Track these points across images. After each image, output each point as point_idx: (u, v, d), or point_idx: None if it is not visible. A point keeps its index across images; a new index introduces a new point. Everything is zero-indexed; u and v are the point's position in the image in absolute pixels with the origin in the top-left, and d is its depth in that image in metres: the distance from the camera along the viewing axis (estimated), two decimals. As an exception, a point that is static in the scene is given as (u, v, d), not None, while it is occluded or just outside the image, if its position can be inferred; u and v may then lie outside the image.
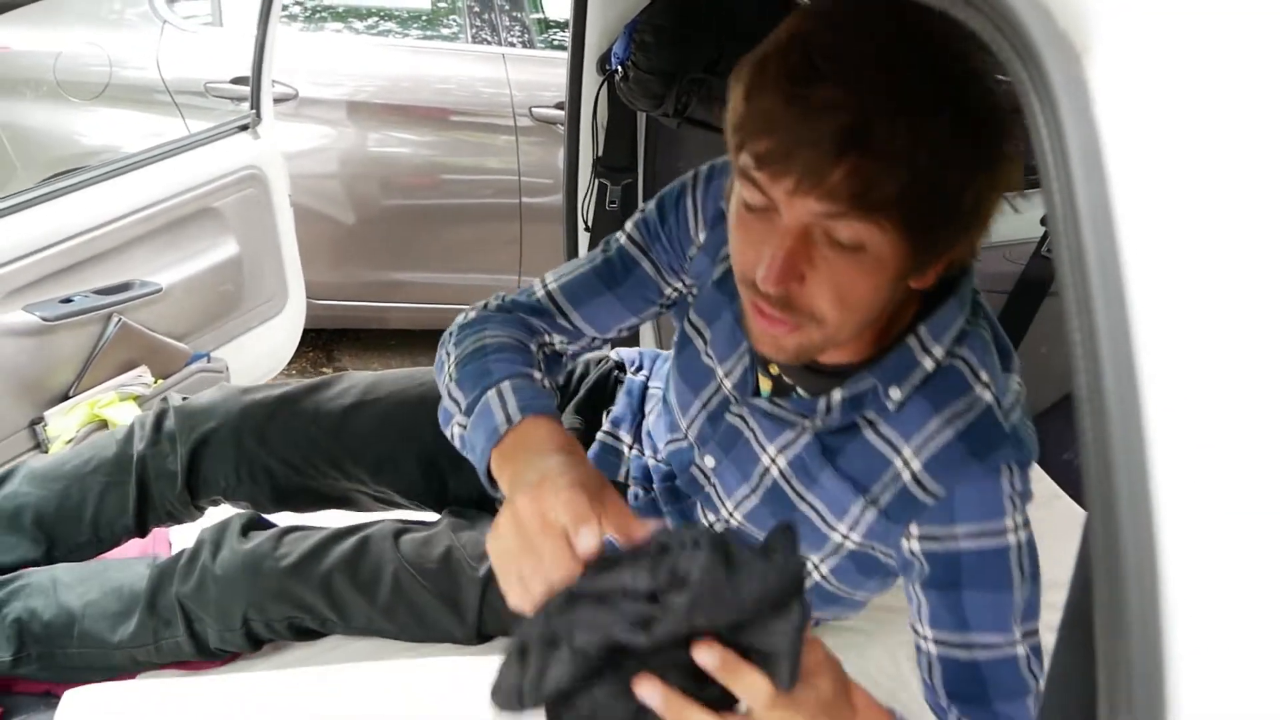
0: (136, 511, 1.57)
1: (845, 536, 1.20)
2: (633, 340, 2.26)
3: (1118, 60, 0.53)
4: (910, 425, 1.11)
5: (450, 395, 1.21)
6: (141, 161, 2.54)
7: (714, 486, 1.31)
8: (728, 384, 1.25)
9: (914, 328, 1.11)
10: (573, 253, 2.22)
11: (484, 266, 3.93)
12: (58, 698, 1.46)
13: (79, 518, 1.57)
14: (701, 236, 1.26)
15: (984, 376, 1.10)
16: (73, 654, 1.42)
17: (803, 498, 1.21)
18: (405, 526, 1.53)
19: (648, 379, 1.58)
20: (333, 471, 1.58)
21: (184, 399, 1.65)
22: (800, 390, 1.19)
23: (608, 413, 1.57)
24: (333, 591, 1.44)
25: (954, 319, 1.10)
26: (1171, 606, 0.50)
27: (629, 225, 1.33)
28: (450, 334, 1.30)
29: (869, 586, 1.30)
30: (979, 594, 1.09)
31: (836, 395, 1.14)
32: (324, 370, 4.09)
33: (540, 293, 1.34)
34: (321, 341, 4.17)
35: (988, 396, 1.09)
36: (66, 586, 1.47)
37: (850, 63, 0.91)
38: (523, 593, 0.92)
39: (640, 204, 2.16)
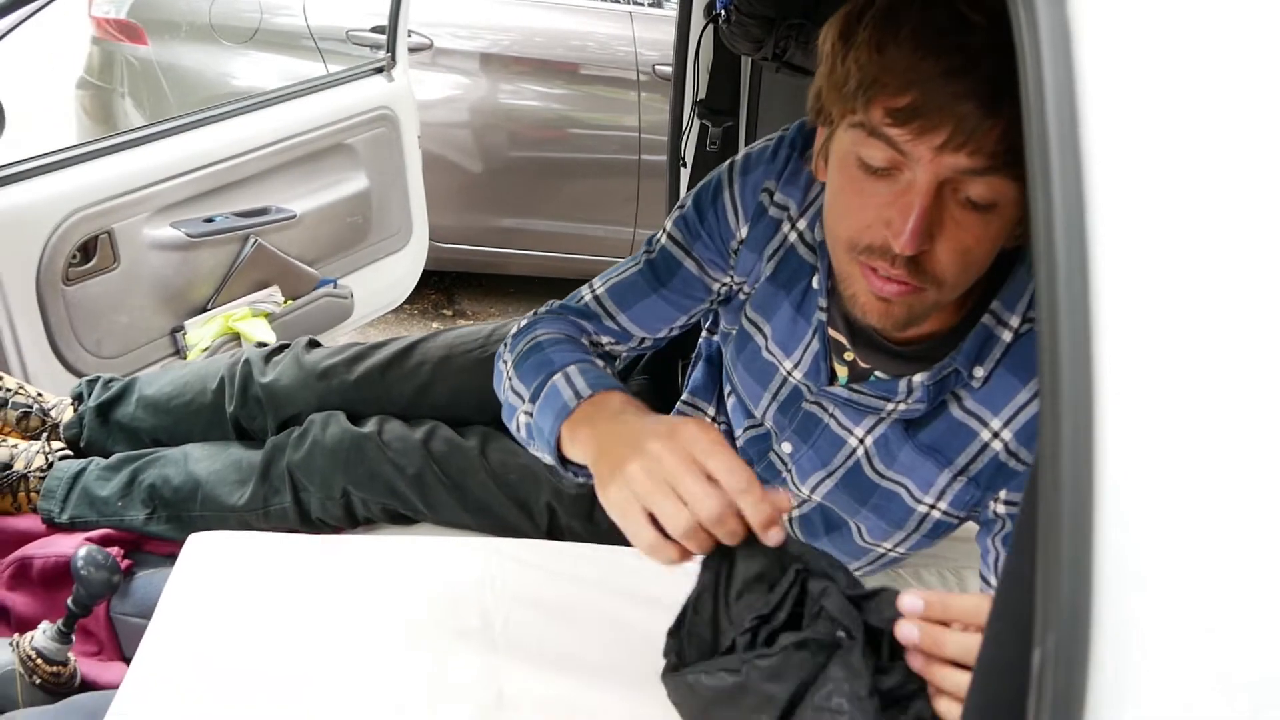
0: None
1: (932, 507, 1.21)
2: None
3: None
4: (997, 398, 1.11)
5: (513, 390, 1.23)
6: (284, 96, 2.73)
7: (790, 471, 1.32)
8: (797, 375, 1.25)
9: (986, 302, 1.09)
10: (674, 189, 2.31)
11: (601, 219, 4.04)
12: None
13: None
14: (743, 231, 1.24)
15: None
16: (195, 516, 1.59)
17: (884, 476, 1.21)
18: (493, 436, 1.64)
19: (718, 345, 1.59)
20: None
21: (265, 358, 1.78)
22: (879, 373, 1.18)
23: (683, 375, 1.60)
24: (424, 485, 1.57)
25: (1025, 284, 1.08)
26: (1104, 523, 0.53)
27: (669, 224, 1.31)
28: (505, 345, 1.32)
29: (925, 545, 1.32)
30: None
31: (918, 378, 1.13)
32: (444, 312, 4.26)
33: (588, 297, 1.35)
34: (444, 284, 4.34)
35: None
36: (195, 459, 1.64)
37: (997, 10, 0.86)
38: (657, 538, 0.91)
39: (740, 146, 2.25)
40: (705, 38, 2.14)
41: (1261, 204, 0.53)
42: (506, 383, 1.25)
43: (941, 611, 0.83)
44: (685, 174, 2.28)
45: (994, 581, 1.17)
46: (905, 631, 0.83)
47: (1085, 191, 0.54)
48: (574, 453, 1.10)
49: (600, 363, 1.20)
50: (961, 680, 0.81)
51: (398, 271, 3.12)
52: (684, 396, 1.52)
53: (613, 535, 1.40)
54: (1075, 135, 0.55)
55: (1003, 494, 1.16)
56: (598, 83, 3.95)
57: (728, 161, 1.26)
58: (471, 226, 4.00)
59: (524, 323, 1.34)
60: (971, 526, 1.27)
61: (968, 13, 0.89)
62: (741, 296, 1.30)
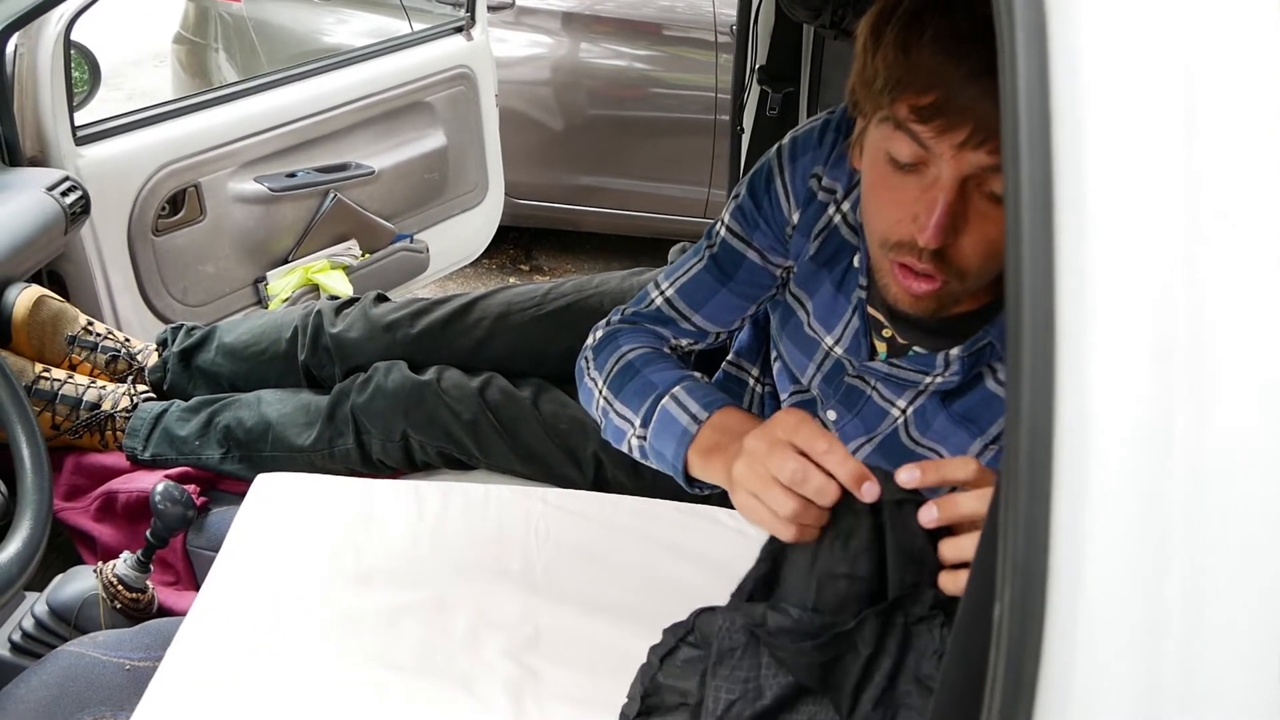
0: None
1: None
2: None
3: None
4: None
5: (616, 414, 1.26)
6: (364, 55, 2.80)
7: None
8: (838, 350, 1.28)
9: None
10: (736, 154, 2.34)
11: (677, 178, 4.05)
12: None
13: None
14: (795, 216, 1.26)
15: None
16: (266, 456, 1.69)
17: (918, 443, 1.25)
18: (546, 388, 1.71)
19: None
20: None
21: (335, 310, 1.87)
22: (917, 348, 1.21)
23: (731, 339, 1.62)
24: (479, 431, 1.64)
25: None
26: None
27: (726, 216, 1.32)
28: (586, 360, 1.34)
29: None
30: None
31: (954, 352, 1.16)
32: (521, 267, 4.34)
33: (659, 300, 1.36)
34: (522, 240, 4.41)
35: None
36: (267, 403, 1.74)
37: None
38: (793, 527, 0.94)
39: (800, 113, 2.27)
40: (765, 3, 2.16)
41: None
42: (603, 404, 1.29)
43: (936, 474, 0.90)
44: (745, 139, 2.31)
45: None
46: (927, 514, 0.89)
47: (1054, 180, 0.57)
48: (703, 475, 1.15)
49: (698, 375, 1.24)
50: (970, 499, 0.89)
51: (473, 227, 3.18)
52: (729, 357, 1.56)
53: (655, 487, 1.46)
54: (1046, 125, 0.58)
55: None
56: (677, 43, 3.96)
57: (775, 147, 1.28)
58: (550, 183, 4.05)
59: (600, 334, 1.37)
60: None
61: (989, 15, 0.92)
62: (790, 275, 1.33)
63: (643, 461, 1.27)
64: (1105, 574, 0.56)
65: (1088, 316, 0.55)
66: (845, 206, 1.23)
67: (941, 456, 1.24)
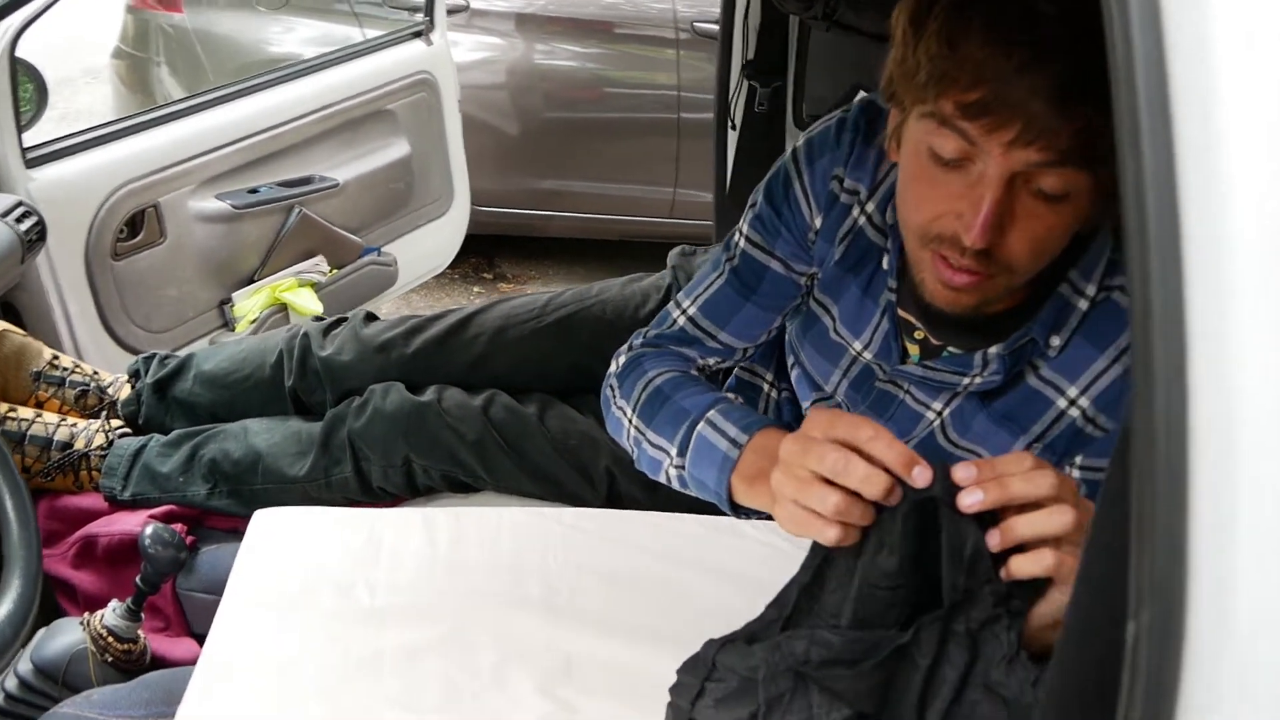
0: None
1: None
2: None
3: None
4: (1074, 367, 1.10)
5: (650, 444, 1.22)
6: (322, 64, 2.71)
7: None
8: (867, 355, 1.24)
9: (1064, 273, 1.08)
10: (721, 151, 2.28)
11: (641, 179, 4.02)
12: (242, 533, 1.65)
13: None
14: (818, 222, 1.22)
15: None
16: (257, 489, 1.60)
17: (957, 445, 1.20)
18: (551, 403, 1.65)
19: None
20: None
21: (323, 332, 1.78)
22: (951, 349, 1.17)
23: None
24: (485, 451, 1.57)
25: (1101, 255, 1.08)
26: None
27: (745, 227, 1.28)
28: (611, 389, 1.30)
29: None
30: None
31: (993, 350, 1.12)
32: (484, 275, 4.26)
33: (682, 320, 1.31)
34: (484, 249, 4.33)
35: None
36: (255, 433, 1.65)
37: (1068, 4, 0.87)
38: (840, 530, 0.87)
39: (789, 108, 2.22)
40: (754, -3, 2.11)
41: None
42: (634, 434, 1.25)
43: (990, 470, 0.84)
44: (733, 136, 2.25)
45: None
46: (969, 499, 0.84)
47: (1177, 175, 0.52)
48: (748, 501, 1.11)
49: (731, 396, 1.21)
50: (1036, 520, 0.82)
51: (441, 237, 3.11)
52: (741, 362, 1.49)
53: (672, 503, 1.40)
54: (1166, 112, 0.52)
55: (1079, 459, 1.15)
56: (635, 41, 3.92)
57: (790, 151, 1.24)
58: (511, 189, 3.99)
59: (623, 360, 1.32)
60: None
61: (1039, 3, 0.88)
62: (813, 281, 1.28)
63: (682, 491, 1.22)
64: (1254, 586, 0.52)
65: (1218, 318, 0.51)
66: (870, 207, 1.19)
67: (981, 457, 1.19)
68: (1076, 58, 0.86)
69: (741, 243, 1.28)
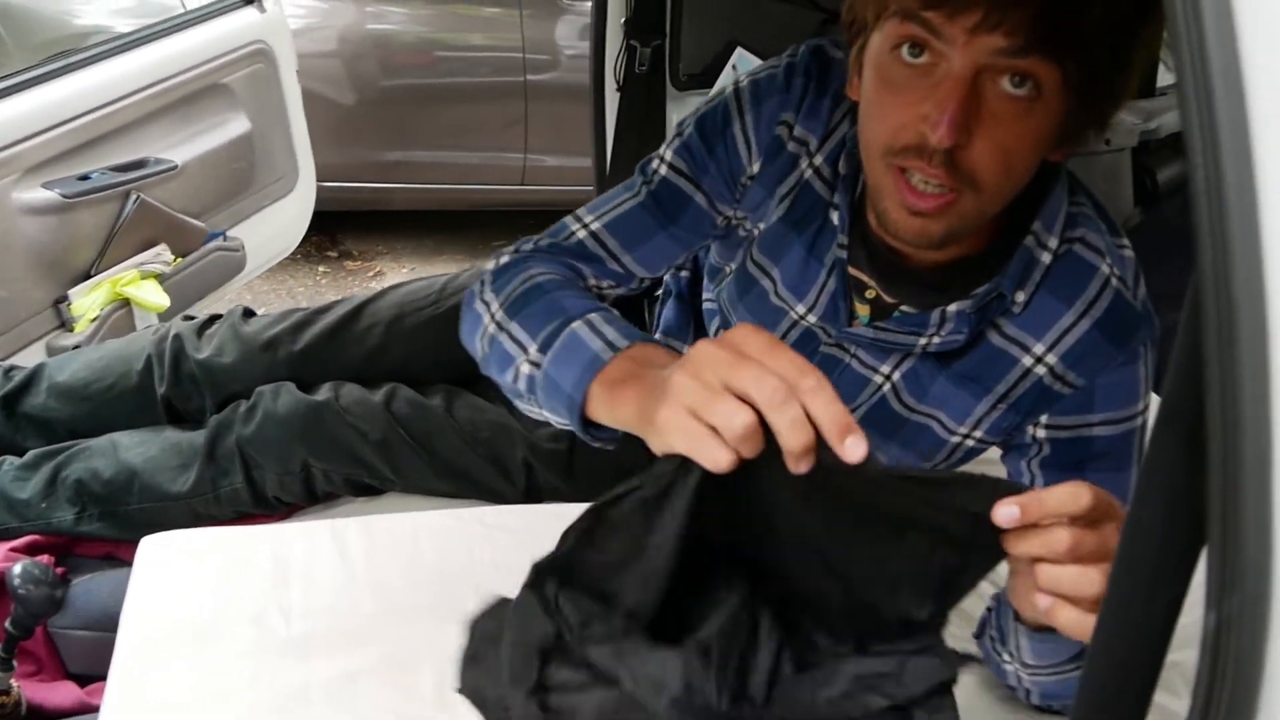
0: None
1: (966, 436, 1.17)
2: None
3: None
4: (1039, 323, 1.08)
5: (508, 337, 1.05)
6: (148, 37, 2.50)
7: None
8: (811, 318, 1.18)
9: (1020, 225, 1.06)
10: (599, 114, 2.19)
11: (488, 145, 3.90)
12: (118, 560, 1.50)
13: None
14: (755, 167, 1.16)
15: (1108, 260, 1.06)
16: (133, 510, 1.45)
17: (914, 410, 1.17)
18: (457, 394, 1.54)
19: (688, 280, 1.46)
20: None
21: (197, 332, 1.63)
22: (906, 307, 1.13)
23: (651, 317, 1.52)
24: (391, 450, 1.47)
25: (1060, 204, 1.07)
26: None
27: (669, 154, 1.19)
28: (483, 282, 1.14)
29: None
30: (1101, 474, 1.08)
31: (953, 308, 1.08)
32: (329, 254, 4.07)
33: (582, 234, 1.19)
34: (326, 226, 4.13)
35: (1114, 281, 1.06)
36: (126, 447, 1.50)
37: None
38: (730, 441, 0.72)
39: (668, 66, 2.14)
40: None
41: None
42: (492, 329, 1.07)
43: (1039, 510, 0.74)
44: (617, 100, 2.16)
45: None
46: (1007, 513, 0.73)
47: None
48: (607, 413, 0.92)
49: (618, 315, 1.02)
50: (1080, 577, 0.74)
51: (288, 216, 2.95)
52: (656, 336, 1.43)
53: (593, 491, 1.32)
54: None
55: (1044, 418, 1.12)
56: (474, 2, 3.78)
57: (732, 89, 1.17)
58: (351, 162, 3.83)
59: (504, 259, 1.16)
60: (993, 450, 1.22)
61: None
62: (741, 233, 1.22)
63: (521, 399, 1.06)
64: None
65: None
66: (819, 159, 1.13)
67: (940, 421, 1.16)
68: None
69: (663, 169, 1.19)
